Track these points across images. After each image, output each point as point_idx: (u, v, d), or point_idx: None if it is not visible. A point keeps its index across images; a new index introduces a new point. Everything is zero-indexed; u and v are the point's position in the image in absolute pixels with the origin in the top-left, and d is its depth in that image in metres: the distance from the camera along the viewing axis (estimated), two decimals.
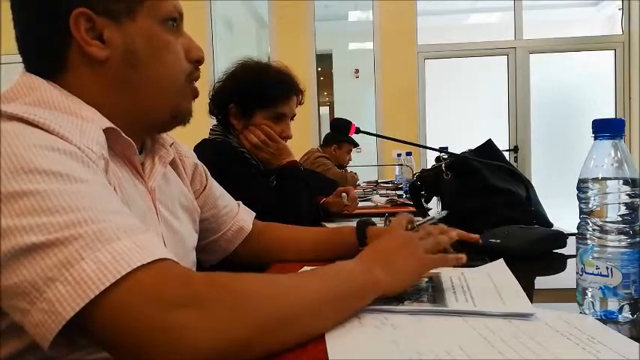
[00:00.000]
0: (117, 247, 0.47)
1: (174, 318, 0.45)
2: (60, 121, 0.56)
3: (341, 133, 1.76)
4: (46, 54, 0.65)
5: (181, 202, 0.84)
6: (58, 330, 0.44)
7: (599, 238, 0.58)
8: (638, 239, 0.57)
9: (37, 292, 0.45)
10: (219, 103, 1.47)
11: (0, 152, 0.49)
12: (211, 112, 1.49)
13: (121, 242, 0.48)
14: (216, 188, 0.98)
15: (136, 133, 0.70)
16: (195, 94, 0.76)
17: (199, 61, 0.75)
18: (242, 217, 1.02)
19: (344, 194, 1.79)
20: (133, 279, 0.46)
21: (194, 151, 1.37)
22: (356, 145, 3.67)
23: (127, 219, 0.52)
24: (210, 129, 1.53)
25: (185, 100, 0.74)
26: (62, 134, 0.54)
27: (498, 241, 0.98)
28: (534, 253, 0.95)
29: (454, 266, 0.80)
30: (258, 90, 1.43)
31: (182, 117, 0.75)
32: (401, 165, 3.12)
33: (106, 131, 0.62)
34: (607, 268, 0.57)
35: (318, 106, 5.12)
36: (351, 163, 3.78)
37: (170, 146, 0.81)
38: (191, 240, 0.85)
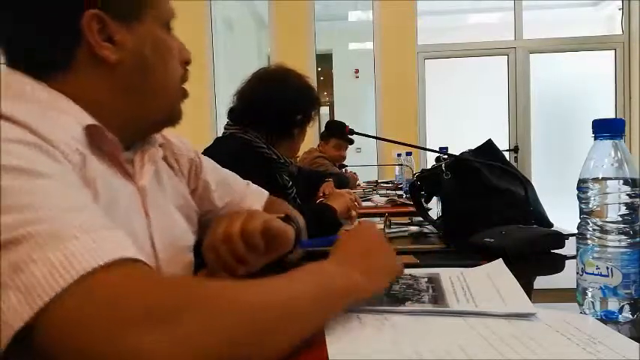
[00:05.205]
0: (71, 246, 0.42)
1: (132, 339, 0.38)
2: (30, 113, 0.53)
3: (333, 133, 1.76)
4: (48, 54, 0.63)
5: (176, 201, 0.81)
6: (8, 341, 0.39)
7: (599, 238, 0.58)
8: (638, 239, 0.57)
9: None
10: (285, 113, 1.49)
11: None
12: (256, 121, 1.48)
13: (78, 241, 0.42)
14: (212, 180, 0.92)
15: (130, 133, 0.70)
16: (185, 95, 0.77)
17: (188, 62, 0.76)
18: (248, 203, 0.97)
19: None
20: (88, 284, 0.40)
21: (207, 151, 1.37)
22: (347, 140, 3.59)
23: (91, 216, 0.47)
24: (226, 124, 1.54)
25: (179, 102, 0.75)
26: (30, 125, 0.51)
27: (492, 240, 0.98)
28: (528, 253, 0.95)
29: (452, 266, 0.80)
30: (316, 96, 1.57)
31: (176, 118, 0.76)
32: (401, 165, 3.12)
33: (90, 128, 0.61)
34: (607, 268, 0.57)
35: None
36: (351, 163, 3.77)
37: (160, 146, 0.80)
38: (186, 240, 0.82)
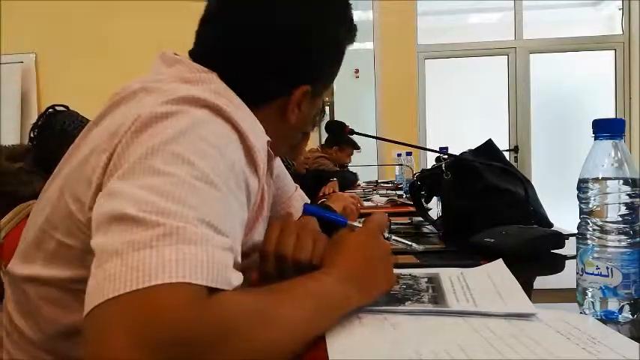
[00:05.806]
0: (187, 250, 0.43)
1: None
2: (245, 117, 0.60)
3: (335, 135, 1.77)
4: (259, 91, 0.72)
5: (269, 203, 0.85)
6: (94, 305, 0.41)
7: (599, 238, 0.58)
8: (638, 239, 0.57)
9: (100, 260, 0.43)
10: None
11: (174, 133, 0.51)
12: None
13: (159, 252, 0.43)
14: (275, 168, 0.94)
15: None
16: None
17: None
18: (293, 203, 0.99)
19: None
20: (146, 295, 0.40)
21: None
22: (357, 147, 3.69)
23: (225, 238, 0.48)
24: None
25: None
26: (241, 127, 0.58)
27: (492, 240, 0.98)
28: (528, 253, 0.95)
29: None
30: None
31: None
32: (401, 165, 3.12)
33: (269, 143, 0.68)
34: (607, 268, 0.57)
35: None
36: (351, 163, 3.78)
37: None
38: None
